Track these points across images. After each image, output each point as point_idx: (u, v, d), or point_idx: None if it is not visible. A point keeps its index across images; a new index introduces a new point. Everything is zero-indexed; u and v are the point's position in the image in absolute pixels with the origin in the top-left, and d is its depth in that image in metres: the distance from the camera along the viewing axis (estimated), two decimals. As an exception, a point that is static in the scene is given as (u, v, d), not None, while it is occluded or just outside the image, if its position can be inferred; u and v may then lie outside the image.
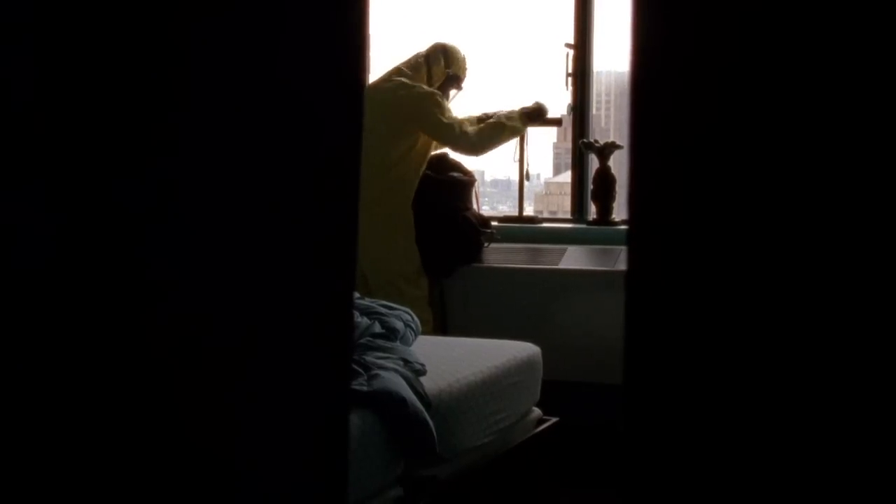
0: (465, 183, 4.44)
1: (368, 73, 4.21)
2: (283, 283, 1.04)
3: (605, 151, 4.50)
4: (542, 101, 4.56)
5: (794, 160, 0.84)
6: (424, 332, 3.36)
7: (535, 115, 4.51)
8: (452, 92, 4.51)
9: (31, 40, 0.82)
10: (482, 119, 4.57)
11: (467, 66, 4.51)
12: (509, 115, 4.46)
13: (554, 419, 3.27)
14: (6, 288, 0.82)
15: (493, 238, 4.39)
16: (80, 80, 0.85)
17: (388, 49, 4.73)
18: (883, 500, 0.82)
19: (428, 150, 4.38)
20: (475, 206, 4.50)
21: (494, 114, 4.55)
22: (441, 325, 4.27)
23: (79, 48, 0.85)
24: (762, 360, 0.85)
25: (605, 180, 4.50)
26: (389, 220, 4.19)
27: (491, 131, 4.40)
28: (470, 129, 4.37)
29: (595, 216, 4.58)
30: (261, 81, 1.00)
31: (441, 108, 4.30)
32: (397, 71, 4.42)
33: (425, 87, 4.33)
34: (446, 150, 4.54)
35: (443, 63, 4.41)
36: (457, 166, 4.49)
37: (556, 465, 3.26)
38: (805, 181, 0.83)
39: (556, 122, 4.86)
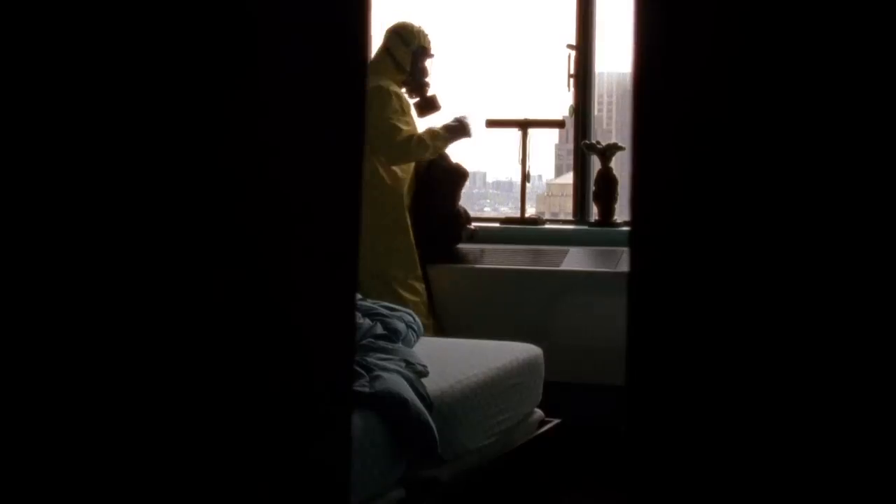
0: (453, 174, 4.42)
1: (368, 74, 4.20)
2: (284, 284, 1.04)
3: (606, 153, 4.50)
4: (466, 116, 4.43)
5: (797, 162, 0.84)
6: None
7: (456, 131, 4.40)
8: (428, 62, 4.46)
9: (28, 45, 0.82)
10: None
11: (426, 32, 4.45)
12: (433, 134, 4.33)
13: (556, 421, 3.27)
14: (7, 288, 0.82)
15: (473, 236, 4.40)
16: (79, 80, 0.85)
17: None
18: (883, 500, 0.82)
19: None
20: (459, 204, 4.50)
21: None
22: None
23: (80, 49, 0.85)
24: (764, 361, 0.85)
25: (607, 182, 4.50)
26: (380, 223, 4.16)
27: (418, 148, 4.26)
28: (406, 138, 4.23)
29: (597, 217, 4.57)
30: (261, 82, 1.00)
31: (390, 107, 4.22)
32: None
33: (383, 83, 4.27)
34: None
35: (402, 44, 4.38)
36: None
37: (558, 467, 3.26)
38: (808, 183, 0.83)
39: (559, 124, 4.86)
